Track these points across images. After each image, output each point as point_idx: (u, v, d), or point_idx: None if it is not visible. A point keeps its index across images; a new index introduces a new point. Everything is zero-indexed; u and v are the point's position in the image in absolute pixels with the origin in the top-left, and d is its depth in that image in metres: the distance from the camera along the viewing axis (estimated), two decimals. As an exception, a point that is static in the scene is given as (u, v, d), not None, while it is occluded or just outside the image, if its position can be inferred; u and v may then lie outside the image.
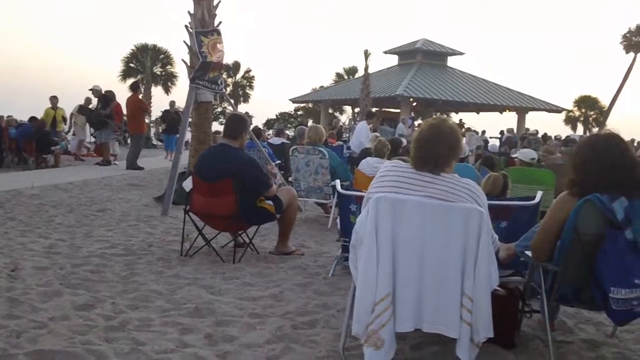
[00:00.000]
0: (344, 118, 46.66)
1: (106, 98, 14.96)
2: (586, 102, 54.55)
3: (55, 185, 10.56)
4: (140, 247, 5.88)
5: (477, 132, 27.16)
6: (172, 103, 20.09)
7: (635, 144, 24.65)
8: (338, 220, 5.05)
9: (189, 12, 9.07)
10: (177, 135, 17.69)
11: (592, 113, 54.28)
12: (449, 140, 3.01)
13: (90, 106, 16.19)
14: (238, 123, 5.67)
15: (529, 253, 3.37)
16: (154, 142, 27.57)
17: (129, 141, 17.73)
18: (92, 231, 6.57)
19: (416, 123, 25.41)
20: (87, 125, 16.81)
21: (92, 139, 18.00)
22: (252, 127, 13.42)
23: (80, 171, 13.62)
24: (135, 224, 7.20)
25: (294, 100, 42.17)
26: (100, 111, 14.76)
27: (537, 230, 3.39)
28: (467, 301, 2.82)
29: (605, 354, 3.52)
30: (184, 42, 8.99)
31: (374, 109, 23.53)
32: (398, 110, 33.06)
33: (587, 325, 4.05)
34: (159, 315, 3.86)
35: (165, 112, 20.37)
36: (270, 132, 26.27)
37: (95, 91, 15.47)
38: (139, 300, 4.14)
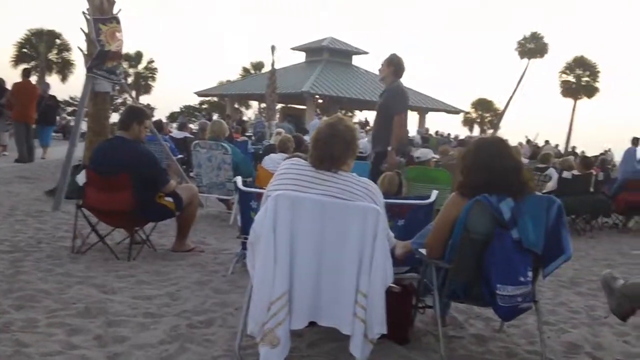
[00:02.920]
0: (250, 113, 46.46)
1: (1, 87, 13.99)
2: (482, 105, 57.14)
3: None
4: (28, 243, 5.57)
5: None
6: (45, 85, 16.26)
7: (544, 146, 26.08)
8: (239, 217, 4.99)
9: (86, -3, 8.68)
10: (53, 127, 16.53)
11: (487, 115, 56.90)
12: (344, 139, 3.04)
13: None
14: (128, 113, 5.52)
15: (423, 251, 3.48)
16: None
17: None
18: (-24, 226, 6.16)
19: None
20: None
21: None
22: (154, 119, 13.08)
23: (-36, 162, 12.74)
24: (23, 218, 6.80)
25: (199, 94, 41.49)
26: None
27: (431, 228, 3.50)
28: (362, 298, 2.86)
29: (492, 348, 3.67)
30: (81, 29, 8.60)
31: (279, 105, 23.53)
32: (304, 107, 33.25)
33: (476, 320, 4.20)
34: (46, 315, 3.66)
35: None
36: (174, 125, 25.64)
37: None
38: (24, 300, 3.91)
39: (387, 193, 5.10)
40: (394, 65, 6.61)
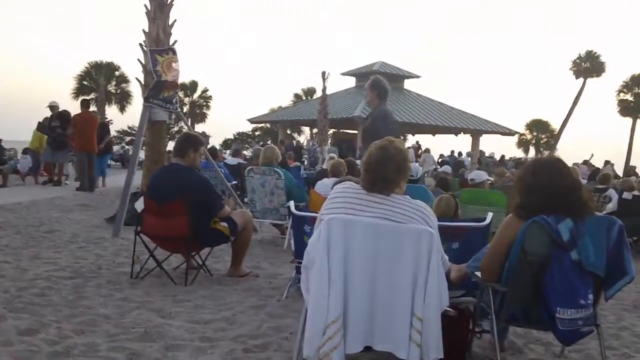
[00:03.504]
0: (302, 139, 46.85)
1: (66, 118, 14.47)
2: (538, 126, 55.96)
3: (1, 205, 10.23)
4: (89, 269, 5.73)
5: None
6: (96, 114, 16.12)
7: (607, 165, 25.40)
8: (292, 241, 5.01)
9: (143, 30, 8.98)
10: (108, 155, 16.92)
11: (543, 136, 55.70)
12: (395, 162, 3.04)
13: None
14: (183, 141, 5.62)
15: (479, 274, 3.42)
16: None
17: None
18: (40, 253, 6.37)
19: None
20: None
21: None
22: (208, 147, 13.34)
23: (28, 191, 13.24)
24: (84, 245, 7.01)
25: (251, 121, 42.06)
26: (58, 131, 14.23)
27: (486, 251, 3.44)
28: (417, 322, 2.83)
29: (553, 373, 3.57)
30: (138, 60, 8.90)
31: (330, 130, 23.70)
32: (356, 132, 33.28)
33: (536, 345, 4.10)
34: (106, 340, 3.75)
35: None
36: (228, 152, 26.07)
37: (54, 107, 14.73)
38: (85, 325, 4.01)
39: (443, 215, 5.04)
40: (378, 89, 6.72)
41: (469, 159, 28.93)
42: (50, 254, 6.35)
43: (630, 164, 38.18)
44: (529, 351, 3.98)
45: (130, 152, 15.08)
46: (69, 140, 14.31)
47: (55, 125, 14.40)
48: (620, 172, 27.50)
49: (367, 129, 6.65)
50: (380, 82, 6.78)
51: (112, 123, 31.38)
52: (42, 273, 5.41)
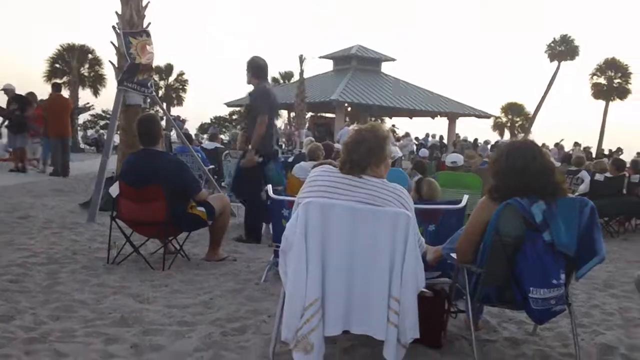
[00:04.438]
0: (280, 122, 46.67)
1: (23, 100, 14.05)
2: (512, 109, 56.44)
3: (-27, 191, 10.07)
4: (64, 255, 5.66)
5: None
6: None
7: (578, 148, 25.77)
8: (271, 225, 5.02)
9: (116, 12, 8.84)
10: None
11: (518, 119, 56.21)
12: (367, 145, 3.07)
13: None
14: (149, 127, 5.44)
15: (454, 255, 3.48)
16: (82, 145, 26.63)
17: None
18: (13, 239, 6.27)
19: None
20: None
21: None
22: (182, 131, 13.22)
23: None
24: (59, 231, 6.93)
25: (228, 104, 41.80)
26: (17, 113, 13.69)
27: (461, 233, 3.49)
28: (394, 303, 2.87)
29: (526, 351, 3.66)
30: (112, 43, 8.76)
31: (308, 114, 23.74)
32: (333, 116, 33.29)
33: (509, 324, 4.19)
34: (83, 325, 3.72)
35: None
36: (205, 136, 25.90)
37: (8, 90, 14.07)
38: (61, 311, 3.98)
39: (430, 198, 5.08)
40: (253, 68, 6.71)
41: (431, 139, 29.57)
42: (24, 240, 6.26)
43: (603, 146, 38.79)
44: (502, 330, 4.07)
45: (105, 137, 14.83)
46: (29, 122, 13.85)
47: (14, 109, 13.84)
48: (594, 154, 27.94)
49: (248, 107, 6.74)
50: (254, 61, 6.75)
51: (93, 108, 30.54)
52: (15, 259, 5.33)
